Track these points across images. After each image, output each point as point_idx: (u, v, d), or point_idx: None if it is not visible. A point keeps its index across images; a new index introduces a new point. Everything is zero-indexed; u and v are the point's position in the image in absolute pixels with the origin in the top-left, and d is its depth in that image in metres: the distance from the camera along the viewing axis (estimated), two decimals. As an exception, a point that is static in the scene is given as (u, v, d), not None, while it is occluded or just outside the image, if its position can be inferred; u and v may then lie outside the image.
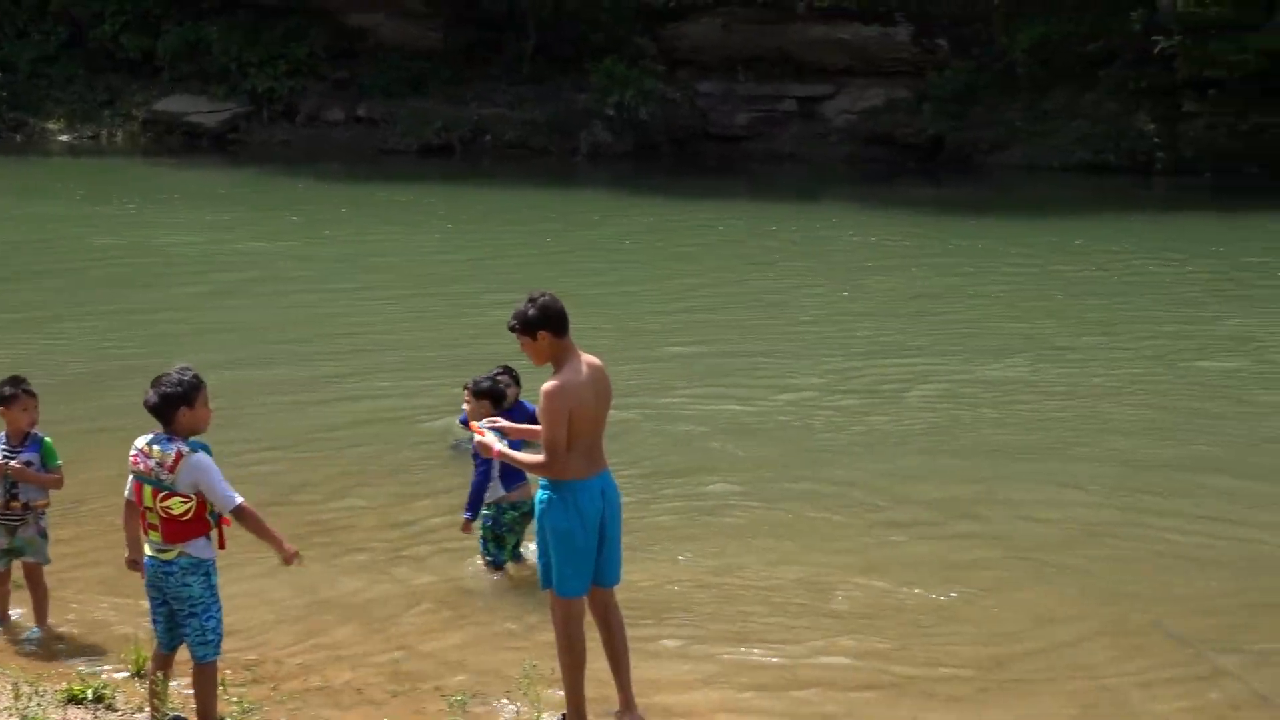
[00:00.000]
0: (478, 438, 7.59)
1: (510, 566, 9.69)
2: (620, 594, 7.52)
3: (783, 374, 15.74)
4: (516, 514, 9.55)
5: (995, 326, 18.74)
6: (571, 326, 7.15)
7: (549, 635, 7.54)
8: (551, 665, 7.53)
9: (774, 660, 8.37)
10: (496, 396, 9.47)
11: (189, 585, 6.85)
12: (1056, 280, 22.39)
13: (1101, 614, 9.15)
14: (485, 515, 9.60)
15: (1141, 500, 11.49)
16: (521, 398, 10.01)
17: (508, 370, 10.06)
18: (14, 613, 8.73)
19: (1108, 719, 7.77)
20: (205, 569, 6.88)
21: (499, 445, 7.46)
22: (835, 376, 15.67)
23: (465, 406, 9.65)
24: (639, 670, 7.64)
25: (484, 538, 9.67)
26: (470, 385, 9.60)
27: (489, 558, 9.69)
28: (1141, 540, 10.56)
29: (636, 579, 9.27)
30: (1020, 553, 10.30)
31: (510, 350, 7.36)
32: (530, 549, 9.23)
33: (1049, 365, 16.23)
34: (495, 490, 9.50)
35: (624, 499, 7.47)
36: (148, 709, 7.21)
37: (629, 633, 7.53)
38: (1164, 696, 7.99)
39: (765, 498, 11.44)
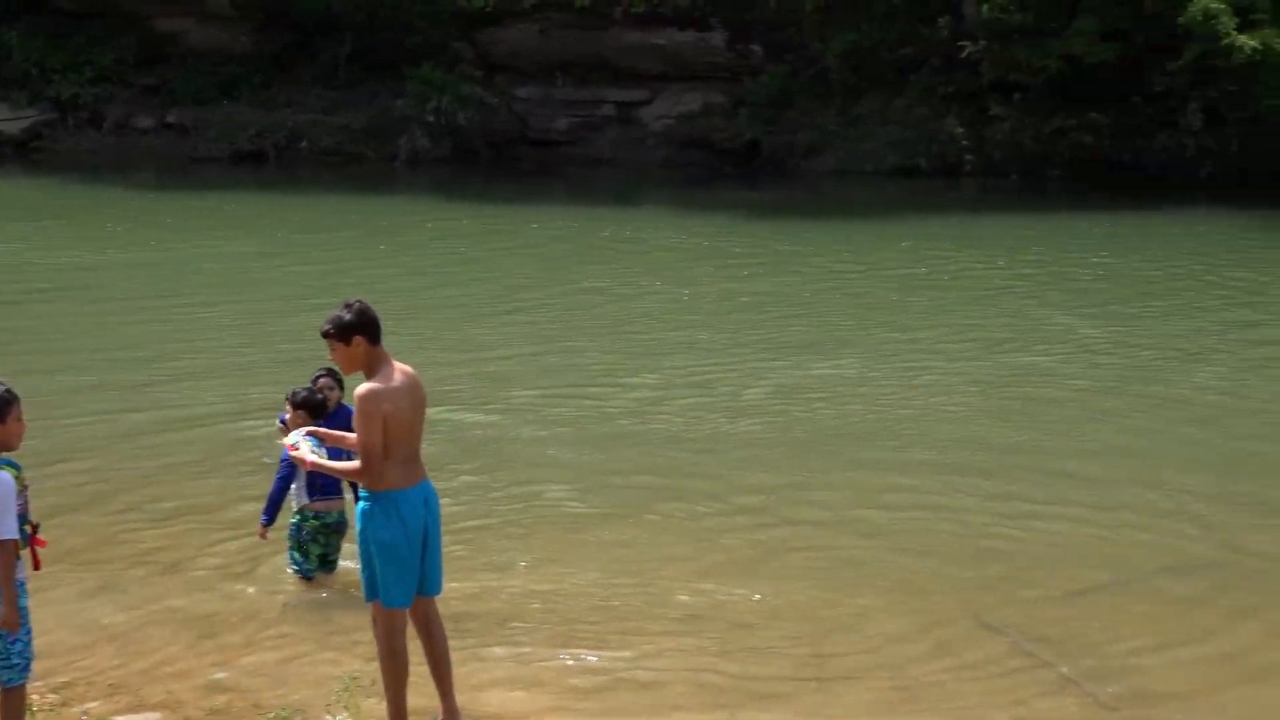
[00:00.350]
0: (291, 453, 7.47)
1: (320, 576, 9.51)
2: (447, 602, 7.44)
3: (616, 375, 15.79)
4: (318, 524, 9.41)
5: (824, 325, 19.04)
6: (391, 334, 7.07)
7: (367, 645, 7.43)
8: (372, 676, 7.42)
9: (599, 666, 8.36)
10: (314, 408, 9.30)
11: (-7, 607, 6.58)
12: (880, 280, 22.79)
13: (922, 607, 9.32)
14: (291, 523, 9.47)
15: (974, 486, 11.85)
16: (343, 400, 9.83)
17: (331, 373, 9.79)
18: None
19: (926, 712, 7.89)
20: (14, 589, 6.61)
21: (312, 457, 7.41)
22: (667, 375, 15.76)
23: (286, 414, 9.47)
24: (465, 679, 7.59)
25: (290, 546, 9.52)
26: (290, 396, 9.43)
27: (295, 567, 9.54)
28: (966, 533, 10.79)
29: (465, 586, 9.22)
30: (849, 548, 10.50)
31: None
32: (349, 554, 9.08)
33: (879, 361, 16.52)
34: (300, 497, 9.38)
35: (456, 505, 7.41)
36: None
37: (456, 641, 7.46)
38: (981, 688, 8.15)
39: (599, 500, 11.45)
